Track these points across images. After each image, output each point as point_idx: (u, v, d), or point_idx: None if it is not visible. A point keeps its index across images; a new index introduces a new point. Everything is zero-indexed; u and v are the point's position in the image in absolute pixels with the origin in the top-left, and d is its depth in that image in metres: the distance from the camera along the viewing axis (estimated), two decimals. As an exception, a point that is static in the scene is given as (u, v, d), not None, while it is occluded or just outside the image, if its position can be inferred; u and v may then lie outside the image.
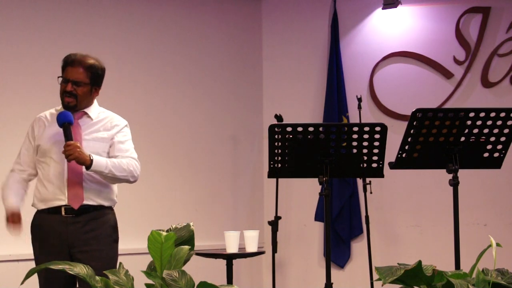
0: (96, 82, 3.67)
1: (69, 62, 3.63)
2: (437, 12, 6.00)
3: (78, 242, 3.55)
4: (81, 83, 3.60)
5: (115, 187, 3.73)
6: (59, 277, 3.46)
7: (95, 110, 3.71)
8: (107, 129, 3.68)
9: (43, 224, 3.60)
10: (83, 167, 3.54)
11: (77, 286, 3.46)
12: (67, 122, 3.52)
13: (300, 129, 3.54)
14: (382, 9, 6.01)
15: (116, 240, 3.71)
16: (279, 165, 3.64)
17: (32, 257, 3.66)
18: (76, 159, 3.45)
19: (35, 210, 3.68)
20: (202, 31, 6.12)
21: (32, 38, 5.21)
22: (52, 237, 3.56)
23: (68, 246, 3.55)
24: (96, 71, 3.66)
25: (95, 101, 3.73)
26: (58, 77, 3.65)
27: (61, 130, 3.55)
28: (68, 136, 3.49)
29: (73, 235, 3.55)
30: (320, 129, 3.55)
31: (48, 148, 3.61)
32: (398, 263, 2.67)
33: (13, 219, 3.57)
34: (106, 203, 3.66)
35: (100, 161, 3.52)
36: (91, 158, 3.48)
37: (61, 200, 3.55)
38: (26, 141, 3.73)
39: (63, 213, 3.55)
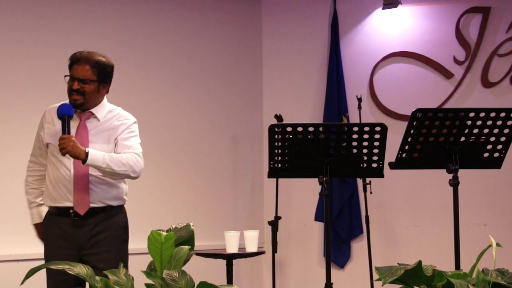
0: (103, 79, 3.60)
1: (75, 60, 3.57)
2: (437, 12, 6.00)
3: (87, 244, 3.53)
4: (87, 81, 3.54)
5: (125, 185, 3.69)
6: (68, 279, 3.38)
7: (103, 110, 3.65)
8: (113, 129, 3.63)
9: (53, 225, 3.57)
10: (89, 171, 3.51)
11: None
12: (66, 115, 3.47)
13: (300, 129, 3.54)
14: (382, 9, 6.00)
15: (125, 240, 3.68)
16: (279, 165, 3.63)
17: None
18: (69, 152, 3.40)
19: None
20: (202, 31, 6.11)
21: (34, 38, 5.20)
22: (62, 239, 3.53)
23: (78, 249, 3.53)
24: (104, 67, 3.60)
25: (104, 99, 3.67)
26: (65, 76, 3.60)
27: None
28: (65, 129, 3.44)
29: (82, 238, 3.52)
30: (320, 129, 3.54)
31: (56, 148, 3.53)
32: (398, 263, 2.67)
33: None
34: (114, 203, 3.61)
35: (96, 155, 3.44)
36: (86, 151, 3.42)
37: (70, 201, 3.52)
38: (38, 135, 3.69)
39: (72, 216, 3.52)
